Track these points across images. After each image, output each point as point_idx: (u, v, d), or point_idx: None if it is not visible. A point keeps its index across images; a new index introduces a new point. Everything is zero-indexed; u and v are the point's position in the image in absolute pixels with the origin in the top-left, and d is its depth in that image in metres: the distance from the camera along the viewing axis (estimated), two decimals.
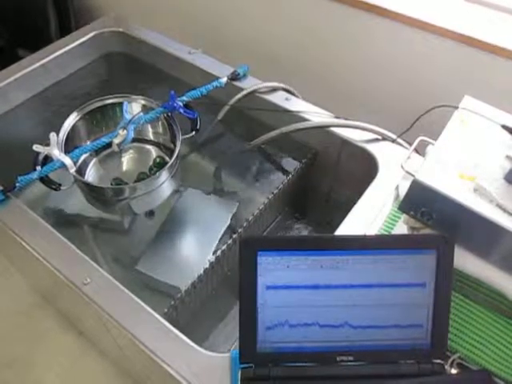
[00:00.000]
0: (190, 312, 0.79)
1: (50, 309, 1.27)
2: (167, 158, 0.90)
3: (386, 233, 0.69)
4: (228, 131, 0.98)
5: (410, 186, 0.56)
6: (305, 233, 0.97)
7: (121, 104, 0.83)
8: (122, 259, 0.97)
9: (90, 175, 0.91)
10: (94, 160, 0.92)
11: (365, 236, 0.62)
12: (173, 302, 0.70)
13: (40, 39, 1.21)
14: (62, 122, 0.86)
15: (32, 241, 0.68)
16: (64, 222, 0.99)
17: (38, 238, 0.68)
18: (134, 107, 0.86)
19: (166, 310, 0.69)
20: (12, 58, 1.12)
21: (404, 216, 0.63)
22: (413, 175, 0.56)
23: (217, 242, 0.94)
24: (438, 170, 0.55)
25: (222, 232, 0.95)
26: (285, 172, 0.94)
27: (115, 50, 1.05)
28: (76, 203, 0.98)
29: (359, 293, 0.51)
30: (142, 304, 0.64)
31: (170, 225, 0.97)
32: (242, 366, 0.53)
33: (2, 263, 1.26)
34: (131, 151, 0.93)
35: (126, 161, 0.92)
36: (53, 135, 0.77)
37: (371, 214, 0.72)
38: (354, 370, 0.53)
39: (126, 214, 0.94)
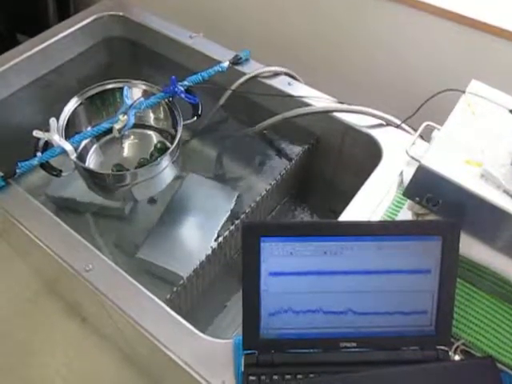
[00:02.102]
0: (193, 299, 0.79)
1: (53, 295, 1.27)
2: (168, 144, 0.89)
3: (389, 219, 0.68)
4: (230, 116, 0.97)
5: (416, 171, 0.55)
6: (307, 219, 0.96)
7: (121, 89, 0.82)
8: (124, 246, 0.97)
9: (91, 161, 0.90)
10: (95, 146, 0.91)
11: (369, 222, 0.61)
12: (175, 289, 0.70)
13: (39, 24, 1.19)
14: (62, 108, 0.85)
15: (33, 227, 0.67)
16: (64, 208, 0.99)
17: (40, 224, 0.68)
18: (135, 92, 0.85)
19: (168, 297, 0.68)
20: (11, 43, 1.11)
21: (408, 202, 0.62)
22: (418, 161, 0.55)
23: (218, 228, 0.93)
24: (444, 155, 0.54)
25: (224, 218, 0.95)
26: (287, 158, 0.93)
27: (115, 34, 1.04)
28: (76, 189, 0.97)
29: (363, 279, 0.51)
30: (145, 290, 0.63)
31: (171, 211, 0.97)
32: (246, 352, 0.52)
33: (5, 249, 1.26)
34: (132, 137, 0.91)
35: (127, 147, 0.91)
36: (53, 121, 0.75)
37: (375, 200, 0.71)
38: (357, 357, 0.53)
39: (127, 201, 0.94)
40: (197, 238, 0.93)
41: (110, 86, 0.84)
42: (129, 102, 0.80)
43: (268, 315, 0.52)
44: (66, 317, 1.24)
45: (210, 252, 0.74)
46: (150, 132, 0.93)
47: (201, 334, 0.59)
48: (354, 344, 0.52)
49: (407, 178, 0.72)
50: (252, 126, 0.92)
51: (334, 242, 0.50)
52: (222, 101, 0.94)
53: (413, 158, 0.58)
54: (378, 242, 0.51)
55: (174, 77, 0.81)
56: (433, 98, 0.72)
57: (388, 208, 0.71)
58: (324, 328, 0.52)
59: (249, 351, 0.52)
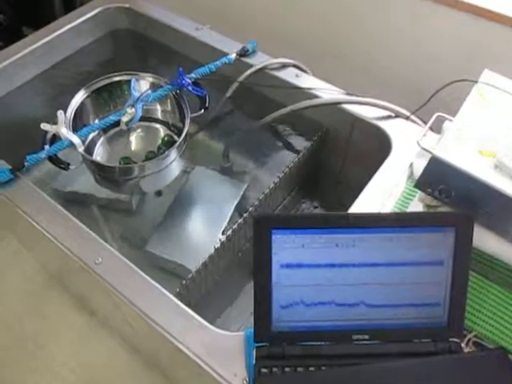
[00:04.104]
0: (201, 292, 0.79)
1: (60, 288, 1.27)
2: (175, 137, 0.89)
3: (400, 211, 0.68)
4: (237, 109, 0.97)
5: (428, 162, 0.54)
6: (316, 212, 0.96)
7: (129, 81, 0.81)
8: (131, 239, 0.97)
9: (98, 154, 0.90)
10: (102, 139, 0.90)
11: (382, 214, 0.61)
12: (184, 282, 0.69)
13: (44, 16, 1.19)
14: (69, 100, 0.85)
15: (42, 220, 0.67)
16: (71, 201, 0.99)
17: (48, 217, 0.68)
18: (142, 85, 0.84)
19: (177, 290, 0.68)
20: (16, 35, 1.10)
21: (420, 194, 0.61)
22: (430, 152, 0.55)
23: (226, 221, 0.93)
24: (457, 146, 0.54)
25: (232, 211, 0.94)
26: (295, 150, 0.92)
27: (121, 26, 1.03)
28: (83, 183, 0.97)
29: (376, 271, 0.50)
30: (154, 283, 0.63)
31: (178, 204, 0.97)
32: (257, 344, 0.52)
33: (12, 242, 1.26)
34: (139, 130, 0.91)
35: (134, 139, 0.91)
36: (60, 113, 0.75)
37: (385, 192, 0.71)
38: (369, 349, 0.52)
39: (135, 194, 0.94)
40: (204, 230, 0.93)
41: (117, 79, 0.84)
42: (136, 94, 0.79)
43: (280, 307, 0.51)
44: (74, 310, 1.24)
45: (218, 245, 0.74)
46: (157, 125, 0.92)
47: (212, 327, 0.59)
48: (367, 336, 0.52)
49: (418, 169, 0.72)
50: (259, 118, 0.92)
51: (346, 235, 0.49)
52: (228, 93, 0.93)
53: (425, 149, 0.57)
54: (390, 234, 0.50)
55: (181, 69, 0.81)
56: (443, 88, 0.72)
57: (398, 200, 0.71)
58: (336, 320, 0.52)
59: (260, 344, 0.52)
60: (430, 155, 0.55)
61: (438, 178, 0.54)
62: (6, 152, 0.79)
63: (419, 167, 0.71)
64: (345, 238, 0.49)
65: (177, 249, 0.89)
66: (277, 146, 0.96)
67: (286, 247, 0.50)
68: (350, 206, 0.70)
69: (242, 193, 0.96)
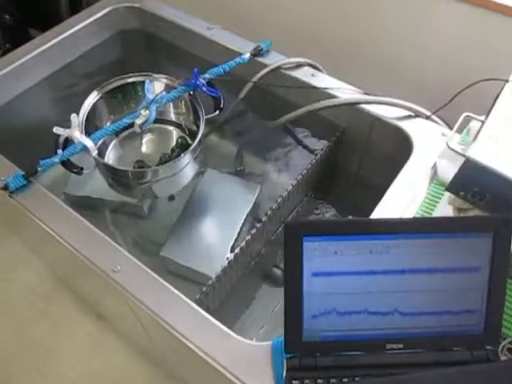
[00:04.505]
0: (220, 297, 0.77)
1: (67, 292, 1.26)
2: (189, 139, 0.87)
3: (426, 215, 0.66)
4: (250, 110, 0.95)
5: (462, 165, 0.53)
6: (331, 216, 0.94)
7: (142, 83, 0.80)
8: (144, 244, 0.95)
9: (110, 157, 0.88)
10: (114, 141, 0.88)
11: (417, 219, 0.59)
12: (204, 289, 0.68)
13: (50, 17, 1.17)
14: (79, 102, 0.83)
15: (58, 228, 0.65)
16: (81, 205, 0.97)
17: (64, 224, 0.66)
18: (156, 86, 0.82)
19: (197, 297, 0.67)
20: (22, 37, 1.08)
21: (449, 196, 0.60)
22: (462, 154, 0.53)
23: (240, 225, 0.91)
24: (490, 147, 0.52)
25: (245, 215, 0.92)
26: (311, 152, 0.90)
27: (131, 26, 1.01)
28: (94, 187, 0.95)
29: (410, 278, 0.49)
30: (175, 291, 0.61)
31: (191, 208, 0.95)
32: (288, 355, 0.50)
33: (19, 246, 1.24)
34: (152, 132, 0.89)
35: (147, 142, 0.89)
36: (74, 117, 0.73)
37: (408, 195, 0.69)
38: (403, 358, 0.51)
39: (148, 198, 0.92)
40: (219, 234, 0.91)
41: (130, 80, 0.81)
42: (150, 96, 0.77)
43: (311, 317, 0.49)
44: (82, 314, 1.23)
45: (237, 250, 0.72)
46: (170, 127, 0.90)
47: (237, 336, 0.57)
48: (401, 345, 0.50)
49: (443, 171, 0.70)
50: (273, 119, 0.90)
51: (379, 241, 0.48)
52: (242, 94, 0.91)
53: (455, 151, 0.55)
54: (425, 240, 0.48)
55: (196, 69, 0.79)
56: (468, 87, 0.70)
57: (422, 203, 0.69)
58: (369, 329, 0.50)
59: (291, 354, 0.50)
60: (456, 156, 0.54)
61: (471, 180, 0.53)
62: (17, 156, 0.77)
63: (444, 169, 0.70)
64: (379, 244, 0.48)
65: (192, 254, 0.87)
66: (291, 148, 0.94)
67: (317, 255, 0.48)
68: (367, 209, 0.68)
69: (255, 196, 0.94)
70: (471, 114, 0.63)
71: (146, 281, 0.62)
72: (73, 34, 0.96)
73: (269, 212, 0.76)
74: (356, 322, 0.50)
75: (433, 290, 0.50)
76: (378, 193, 0.70)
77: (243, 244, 0.73)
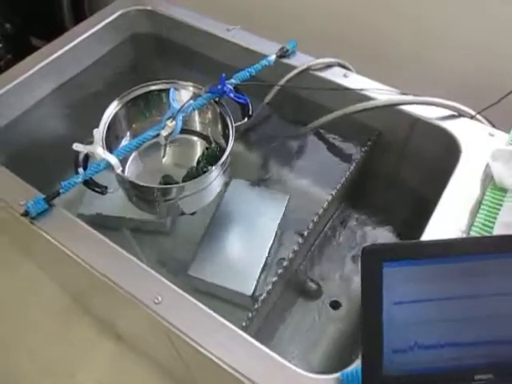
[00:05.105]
0: (261, 320, 0.71)
1: (82, 313, 1.20)
2: (216, 150, 0.81)
3: (488, 225, 0.61)
4: (276, 115, 0.89)
5: None
6: (370, 230, 0.88)
7: (165, 91, 0.74)
8: (169, 263, 0.89)
9: (130, 171, 0.82)
10: (134, 154, 0.82)
11: None
12: (250, 314, 0.62)
13: (52, 26, 1.10)
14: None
15: (90, 257, 0.59)
16: (99, 225, 0.91)
17: (96, 253, 0.60)
18: (180, 94, 0.76)
19: (244, 324, 0.61)
20: (25, 46, 1.02)
21: None
22: None
23: (272, 238, 0.86)
24: None
25: (276, 228, 0.87)
26: (345, 159, 0.85)
27: (143, 30, 0.95)
28: (110, 205, 0.89)
29: (506, 301, 0.43)
30: (223, 321, 0.56)
31: (217, 222, 0.89)
32: None
33: (35, 272, 1.18)
34: (174, 143, 0.83)
35: (170, 154, 0.83)
36: (96, 132, 0.67)
37: (463, 203, 0.63)
38: None
39: (172, 214, 0.86)
40: (250, 249, 0.85)
41: (153, 88, 0.75)
42: (176, 105, 0.71)
43: (392, 350, 0.44)
44: (101, 335, 1.17)
45: (281, 270, 0.67)
46: (194, 137, 0.84)
47: (297, 369, 0.52)
48: (491, 375, 0.45)
49: (500, 174, 0.65)
50: (301, 124, 0.85)
51: (471, 262, 0.42)
52: (267, 98, 0.86)
53: None
54: None
55: (224, 74, 0.73)
56: None
57: (481, 211, 0.63)
58: (456, 360, 0.45)
59: None
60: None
61: None
62: (32, 176, 0.71)
63: (501, 172, 0.65)
64: (470, 265, 0.42)
65: (223, 271, 0.82)
66: (321, 154, 0.88)
67: (399, 281, 0.43)
68: (409, 219, 0.63)
69: (284, 206, 0.89)
70: None
71: (189, 310, 0.56)
72: (82, 42, 0.89)
73: (310, 225, 0.70)
74: (442, 353, 0.44)
75: None
76: (422, 202, 0.65)
77: (287, 263, 0.67)
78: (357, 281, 0.88)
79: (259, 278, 0.80)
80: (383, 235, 0.88)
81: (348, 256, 0.90)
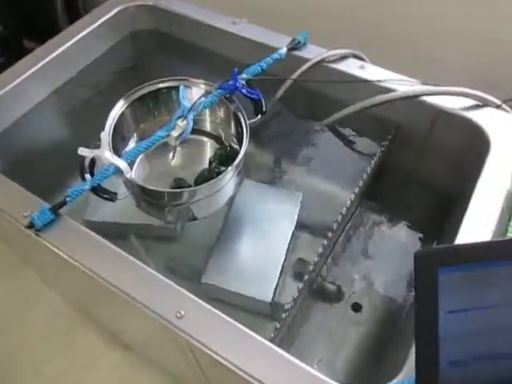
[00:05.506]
0: (285, 328, 0.67)
1: (87, 323, 1.15)
2: (228, 150, 0.77)
3: None
4: (289, 111, 0.85)
5: None
6: (388, 229, 0.84)
7: (174, 89, 0.69)
8: (180, 271, 0.84)
9: (137, 174, 0.77)
10: (141, 156, 0.77)
11: None
12: (278, 325, 0.58)
13: (46, 26, 1.05)
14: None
15: (105, 270, 0.54)
16: (105, 232, 0.86)
17: (110, 265, 0.55)
18: (191, 92, 0.72)
19: (272, 336, 0.57)
20: (18, 49, 0.97)
21: None
22: None
23: (288, 240, 0.81)
24: None
25: (292, 229, 0.83)
26: (364, 155, 0.80)
27: (144, 27, 0.90)
28: (116, 210, 0.84)
29: None
30: (252, 333, 0.51)
31: (229, 226, 0.84)
32: None
33: (33, 280, 1.13)
34: (183, 144, 0.78)
35: (179, 155, 0.78)
36: (104, 135, 0.62)
37: (498, 201, 0.59)
38: None
39: (184, 219, 0.81)
40: (266, 252, 0.81)
41: (161, 86, 0.71)
42: (186, 103, 0.67)
43: (449, 364, 0.40)
44: (107, 345, 1.12)
45: (307, 275, 0.63)
46: (204, 137, 0.80)
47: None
48: None
49: None
50: (316, 120, 0.80)
51: None
52: (279, 94, 0.82)
53: None
54: None
55: (236, 69, 0.69)
56: None
57: None
58: None
59: None
60: None
61: None
62: (32, 184, 0.66)
63: None
64: None
65: (239, 278, 0.77)
66: (339, 151, 0.84)
67: (457, 287, 0.39)
68: (432, 218, 0.59)
69: (298, 205, 0.85)
70: None
71: (214, 323, 0.52)
72: (79, 41, 0.84)
73: (334, 226, 0.66)
74: (505, 365, 0.40)
75: None
76: (442, 196, 0.62)
77: (312, 267, 0.63)
78: (376, 281, 0.84)
79: (278, 283, 0.76)
80: (404, 234, 0.84)
81: (366, 256, 0.86)
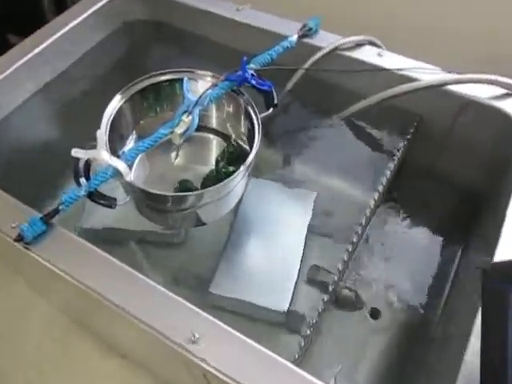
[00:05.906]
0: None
1: (82, 333, 1.08)
2: (237, 148, 0.70)
3: None
4: (301, 104, 0.78)
5: None
6: (409, 230, 0.77)
7: (178, 81, 0.63)
8: (186, 280, 0.77)
9: (137, 176, 0.70)
10: (140, 156, 0.70)
11: None
12: (302, 343, 0.51)
13: (31, 19, 0.97)
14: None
15: (105, 288, 0.48)
16: (102, 239, 0.80)
17: (111, 282, 0.48)
18: (195, 85, 0.65)
19: (296, 357, 0.50)
20: (2, 44, 0.89)
21: None
22: None
23: (303, 244, 0.75)
24: None
25: (306, 231, 0.76)
26: (384, 150, 0.74)
27: (138, 16, 0.83)
28: (115, 214, 0.77)
29: None
30: (270, 353, 0.45)
31: (238, 230, 0.78)
32: None
33: (24, 293, 1.06)
34: (187, 142, 0.71)
35: (182, 155, 0.71)
36: (100, 134, 0.56)
37: None
38: None
39: (190, 225, 0.74)
40: (279, 258, 0.74)
41: (163, 78, 0.64)
42: (191, 97, 0.60)
43: None
44: (104, 355, 1.06)
45: (332, 286, 0.56)
46: (209, 134, 0.73)
47: None
48: None
49: None
50: (331, 113, 0.74)
51: None
52: (290, 85, 0.75)
53: None
54: None
55: (245, 58, 0.62)
56: None
57: None
58: None
59: None
60: None
61: None
62: (20, 190, 0.59)
63: None
64: None
65: (249, 287, 0.71)
66: (356, 147, 0.77)
67: None
68: (457, 219, 0.53)
69: (312, 206, 0.78)
70: None
71: (231, 346, 0.46)
72: (68, 33, 0.77)
73: (359, 230, 0.60)
74: None
75: None
76: (467, 194, 0.56)
77: (336, 277, 0.57)
78: (395, 287, 0.78)
79: (294, 291, 0.70)
80: (424, 236, 0.77)
81: (385, 260, 0.80)
